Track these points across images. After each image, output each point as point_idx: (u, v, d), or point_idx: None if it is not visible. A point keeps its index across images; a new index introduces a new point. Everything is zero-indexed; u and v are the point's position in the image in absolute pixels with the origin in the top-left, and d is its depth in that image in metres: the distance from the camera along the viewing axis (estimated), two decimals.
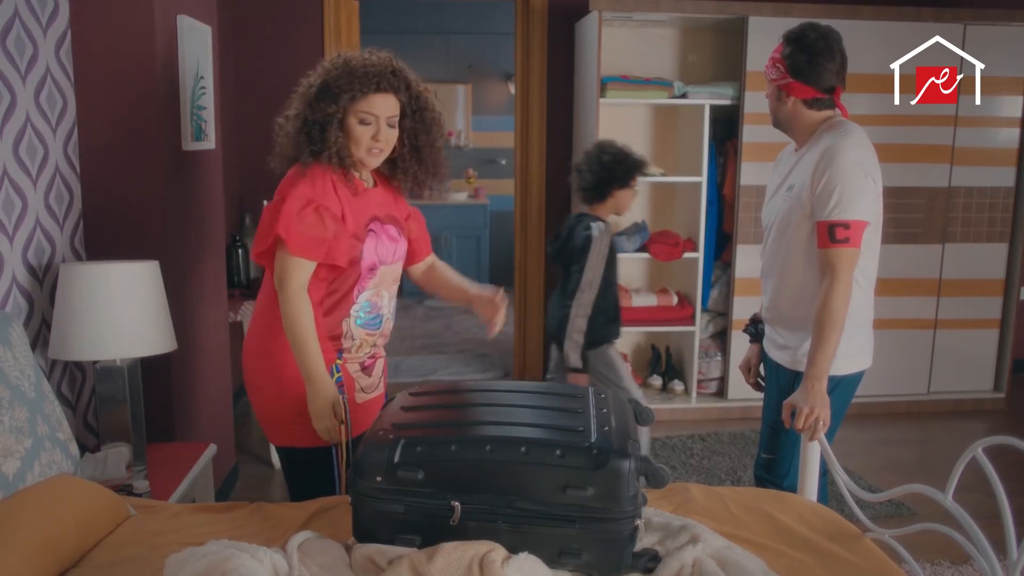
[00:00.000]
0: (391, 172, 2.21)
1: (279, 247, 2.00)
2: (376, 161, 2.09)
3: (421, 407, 1.76)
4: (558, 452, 1.54)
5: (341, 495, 2.03)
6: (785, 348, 2.38)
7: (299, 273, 1.99)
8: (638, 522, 1.57)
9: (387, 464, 1.56)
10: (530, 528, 1.54)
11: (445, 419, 1.72)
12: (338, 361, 2.10)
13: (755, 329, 2.59)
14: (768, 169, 2.56)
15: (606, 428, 1.62)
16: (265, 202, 4.43)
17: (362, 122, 2.02)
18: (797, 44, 2.21)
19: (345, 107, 2.00)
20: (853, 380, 2.33)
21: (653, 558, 1.61)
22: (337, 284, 2.06)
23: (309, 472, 2.11)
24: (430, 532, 1.56)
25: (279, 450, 2.17)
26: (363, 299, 2.10)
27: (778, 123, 2.34)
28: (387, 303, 2.17)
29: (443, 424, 1.68)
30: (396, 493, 1.57)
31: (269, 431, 2.15)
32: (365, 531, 1.62)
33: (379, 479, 1.57)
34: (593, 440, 1.56)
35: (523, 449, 1.55)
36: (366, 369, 2.18)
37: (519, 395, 1.86)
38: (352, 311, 2.09)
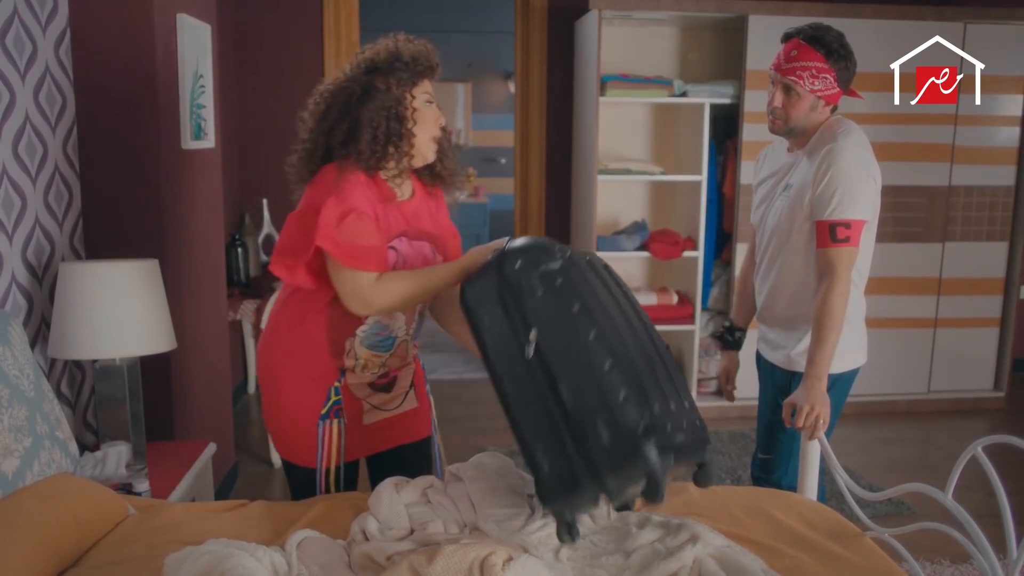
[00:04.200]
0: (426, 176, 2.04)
1: (333, 264, 1.81)
2: (434, 153, 1.95)
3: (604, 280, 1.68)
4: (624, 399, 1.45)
5: (341, 494, 2.03)
6: (780, 348, 2.38)
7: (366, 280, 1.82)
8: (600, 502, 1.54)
9: (537, 260, 1.53)
10: (544, 418, 1.50)
11: (605, 302, 1.61)
12: (337, 383, 1.96)
13: (732, 337, 2.60)
14: None
15: (684, 423, 1.52)
16: (265, 201, 4.45)
17: (427, 103, 1.91)
18: (842, 51, 2.16)
19: (413, 87, 1.87)
20: (849, 377, 2.33)
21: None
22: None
23: (302, 487, 2.07)
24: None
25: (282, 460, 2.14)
26: (372, 319, 1.92)
27: (792, 131, 2.26)
28: (402, 325, 1.98)
29: (601, 305, 1.58)
30: (512, 287, 1.55)
31: (271, 437, 2.13)
32: (466, 294, 1.60)
33: (518, 264, 1.54)
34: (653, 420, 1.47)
35: (610, 368, 1.47)
36: (381, 386, 2.03)
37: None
38: (358, 331, 1.92)
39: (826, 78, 2.17)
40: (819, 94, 2.18)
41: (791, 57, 2.19)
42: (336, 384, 1.96)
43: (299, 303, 1.95)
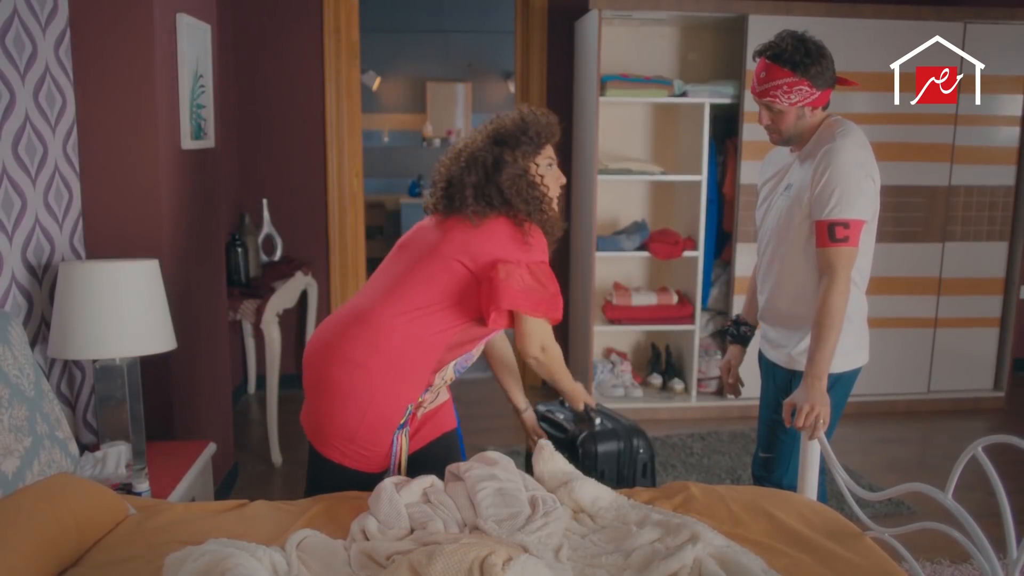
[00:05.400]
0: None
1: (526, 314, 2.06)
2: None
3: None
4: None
5: (340, 493, 2.03)
6: (781, 347, 2.38)
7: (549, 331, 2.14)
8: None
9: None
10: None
11: None
12: (421, 399, 2.11)
13: (737, 331, 2.61)
14: None
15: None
16: (265, 201, 4.45)
17: (549, 166, 2.13)
18: (807, 60, 2.16)
19: (536, 156, 2.10)
20: (850, 377, 2.33)
21: None
22: (472, 331, 2.11)
23: (341, 488, 2.08)
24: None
25: (318, 458, 2.14)
26: (476, 351, 2.19)
27: (789, 139, 2.29)
28: (476, 359, 2.27)
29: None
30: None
31: (321, 440, 2.11)
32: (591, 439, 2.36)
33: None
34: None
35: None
36: (428, 387, 2.19)
37: None
38: (462, 357, 2.15)
39: (801, 89, 2.18)
40: (800, 104, 2.20)
41: (762, 79, 2.22)
42: (420, 399, 2.11)
43: (434, 321, 2.05)
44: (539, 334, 2.10)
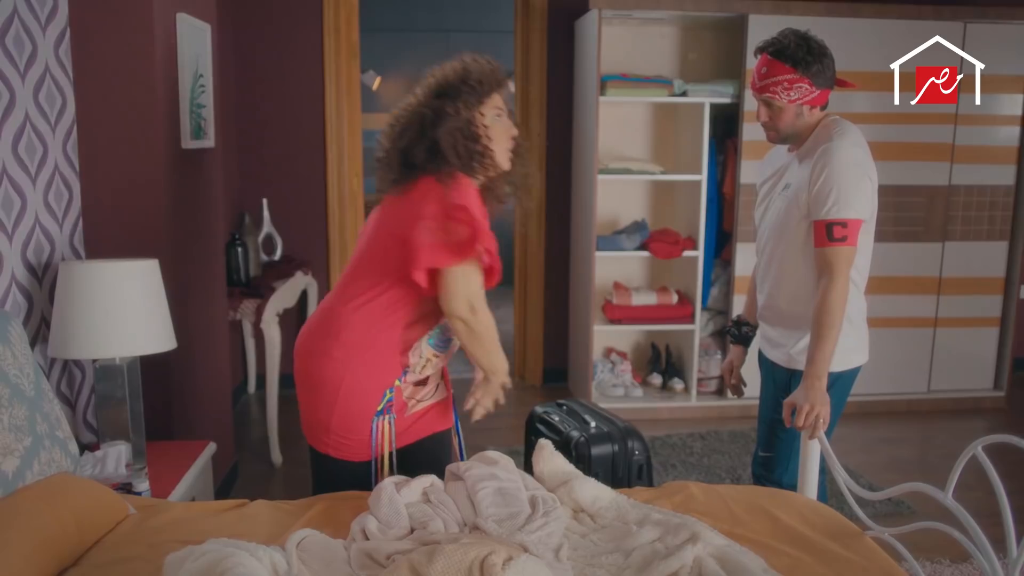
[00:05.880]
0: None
1: (459, 268, 1.89)
2: (509, 162, 2.04)
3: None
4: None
5: (340, 493, 2.03)
6: (780, 346, 2.38)
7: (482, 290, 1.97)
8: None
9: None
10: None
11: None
12: (398, 383, 2.03)
13: (738, 331, 2.61)
14: None
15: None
16: (265, 201, 4.45)
17: (498, 117, 2.00)
18: (808, 57, 2.16)
19: (481, 106, 1.97)
20: (850, 376, 2.34)
21: None
22: (425, 305, 2.00)
23: (338, 483, 2.08)
24: None
25: (313, 453, 2.14)
26: (444, 323, 2.05)
27: (787, 138, 2.29)
28: None
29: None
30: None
31: (311, 434, 2.11)
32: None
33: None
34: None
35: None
36: (421, 383, 2.12)
37: None
38: (430, 332, 2.05)
39: (801, 87, 2.18)
40: (799, 102, 2.20)
41: (763, 75, 2.22)
42: (397, 383, 2.03)
43: (384, 303, 2.00)
44: (464, 290, 1.90)
